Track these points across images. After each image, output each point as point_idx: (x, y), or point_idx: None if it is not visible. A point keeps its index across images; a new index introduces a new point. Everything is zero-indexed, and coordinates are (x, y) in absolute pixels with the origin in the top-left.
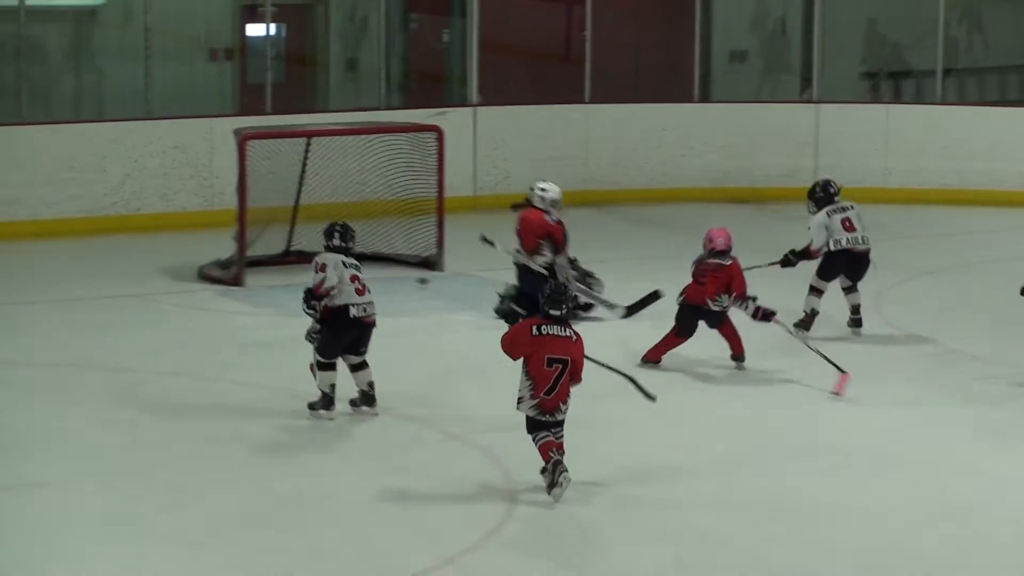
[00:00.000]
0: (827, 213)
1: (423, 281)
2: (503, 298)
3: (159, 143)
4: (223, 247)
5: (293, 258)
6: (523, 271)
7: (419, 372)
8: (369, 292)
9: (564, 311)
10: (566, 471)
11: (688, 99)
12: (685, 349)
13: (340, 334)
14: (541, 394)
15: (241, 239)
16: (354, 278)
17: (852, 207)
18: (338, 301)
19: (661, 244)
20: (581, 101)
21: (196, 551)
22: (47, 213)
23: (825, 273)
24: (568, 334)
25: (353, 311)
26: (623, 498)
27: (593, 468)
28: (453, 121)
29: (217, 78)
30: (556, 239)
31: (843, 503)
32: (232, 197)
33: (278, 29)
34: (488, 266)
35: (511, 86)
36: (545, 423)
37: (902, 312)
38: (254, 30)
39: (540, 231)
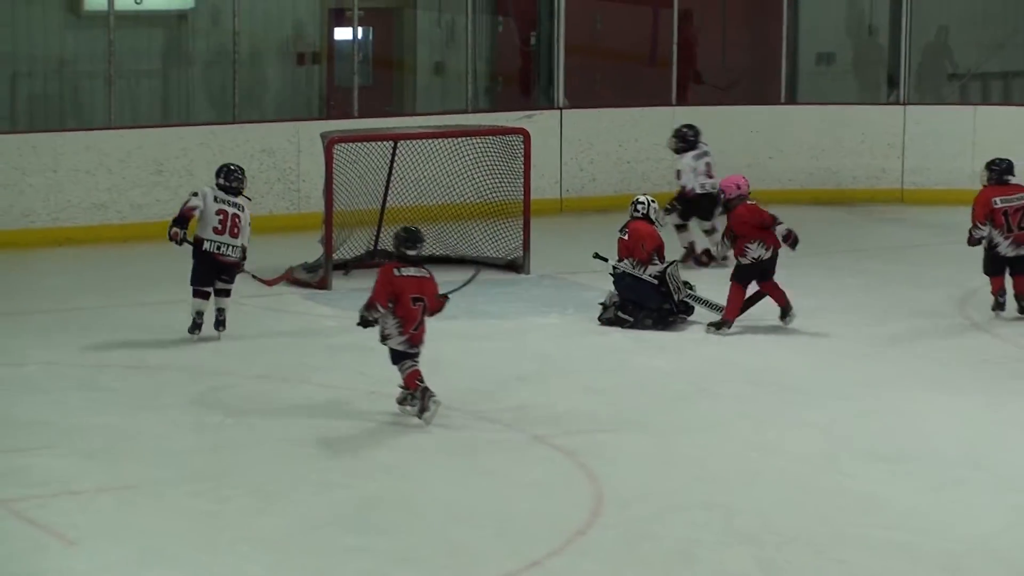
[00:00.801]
0: (693, 157)
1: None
2: (606, 306)
3: (246, 147)
4: (310, 250)
5: (379, 261)
6: (628, 281)
7: (505, 374)
8: (236, 234)
9: (419, 251)
10: (434, 395)
11: (775, 101)
12: (769, 353)
13: (200, 264)
14: (410, 330)
15: (328, 242)
16: (220, 212)
17: (709, 152)
18: (199, 233)
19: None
20: (668, 103)
21: (283, 554)
22: (135, 216)
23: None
24: (424, 273)
25: (206, 245)
26: (704, 502)
27: (671, 472)
28: (539, 124)
29: (304, 82)
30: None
31: (924, 506)
32: (319, 200)
33: (365, 33)
34: (573, 269)
35: (597, 89)
36: (409, 354)
37: (989, 313)
38: (341, 34)
39: (651, 243)
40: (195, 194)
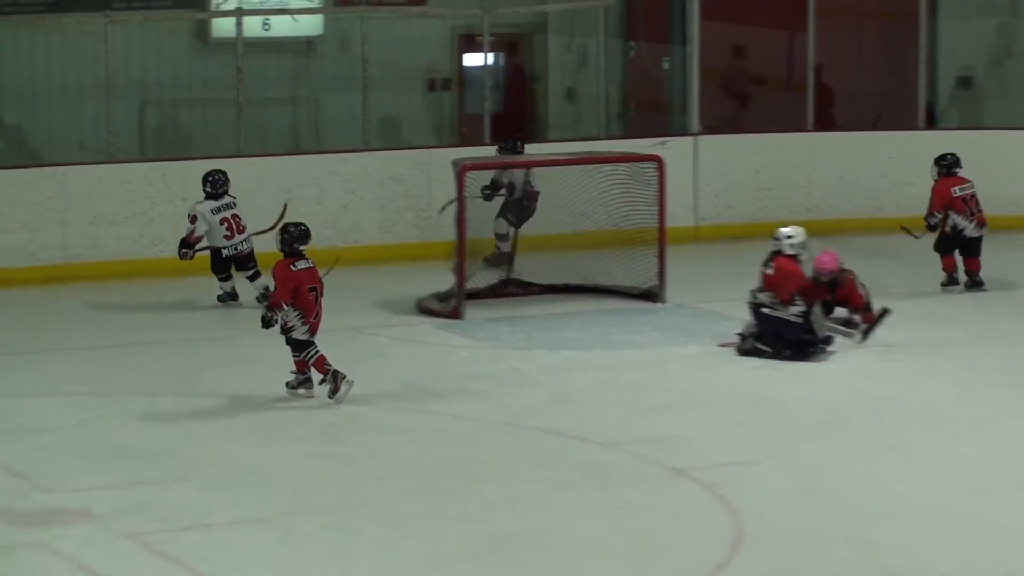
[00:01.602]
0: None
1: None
2: (745, 337)
3: (376, 174)
4: (441, 279)
5: (513, 290)
6: (768, 315)
7: (642, 406)
8: (242, 230)
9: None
10: (345, 376)
11: (914, 126)
12: (913, 383)
13: (223, 263)
14: (311, 319)
15: (460, 271)
16: (223, 220)
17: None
18: (213, 244)
19: (888, 275)
20: (804, 129)
21: None
22: (263, 246)
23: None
24: (311, 263)
25: (225, 252)
26: (848, 536)
27: (814, 505)
28: (674, 150)
29: (435, 108)
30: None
31: None
32: (450, 229)
33: (496, 58)
34: (710, 298)
35: (733, 114)
36: (311, 342)
37: None
38: (472, 59)
39: (794, 283)
40: (194, 218)
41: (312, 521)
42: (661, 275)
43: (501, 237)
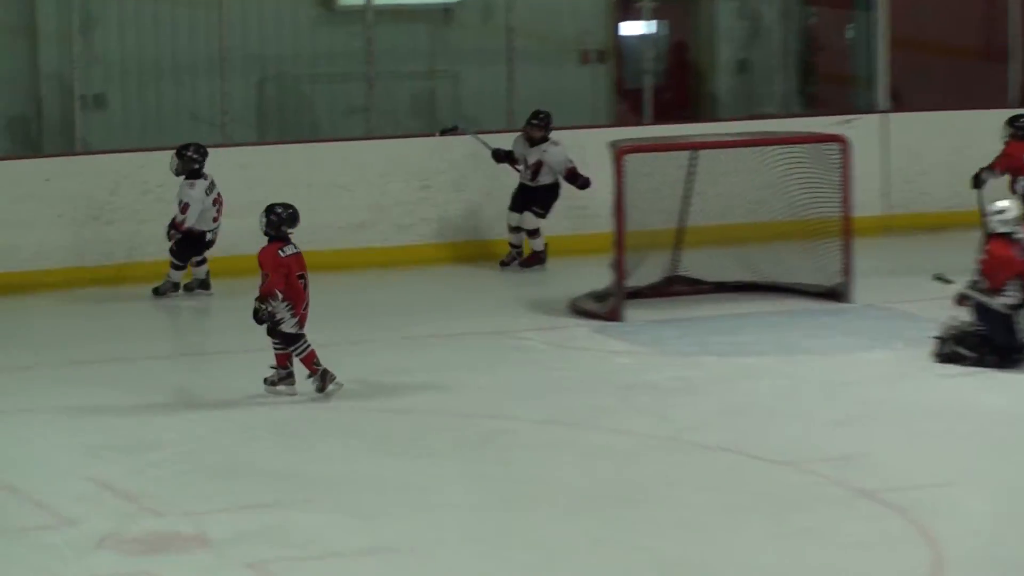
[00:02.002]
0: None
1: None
2: (943, 340)
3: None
4: (598, 277)
5: (677, 288)
6: (977, 307)
7: (825, 419)
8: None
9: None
10: (335, 376)
11: None
12: None
13: (191, 247)
14: (301, 310)
15: (619, 267)
16: (216, 200)
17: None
18: (199, 227)
19: None
20: (1006, 105)
21: None
22: (397, 239)
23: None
24: (298, 249)
25: (208, 236)
26: None
27: (1021, 532)
28: (860, 130)
29: (589, 83)
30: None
31: None
32: (607, 220)
33: (658, 27)
34: (903, 297)
35: (927, 88)
36: (302, 335)
37: None
38: (630, 29)
39: (1007, 271)
40: (186, 206)
41: (454, 550)
42: (847, 271)
43: (532, 234)
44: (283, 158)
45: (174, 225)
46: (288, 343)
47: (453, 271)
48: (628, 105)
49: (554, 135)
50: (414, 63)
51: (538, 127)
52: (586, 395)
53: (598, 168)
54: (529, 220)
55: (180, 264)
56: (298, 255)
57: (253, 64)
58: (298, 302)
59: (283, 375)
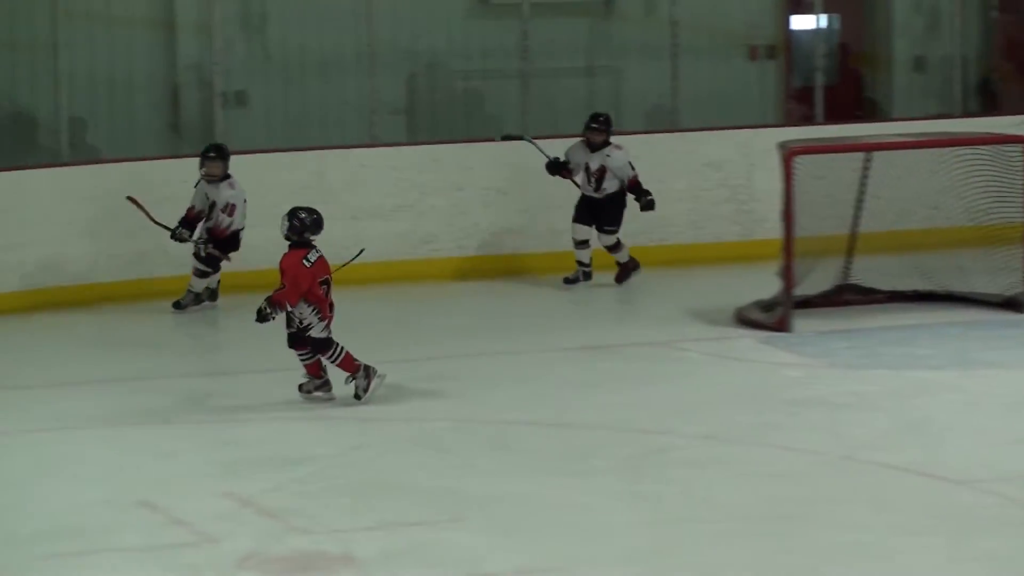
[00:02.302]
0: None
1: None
2: None
3: (688, 160)
4: (765, 284)
5: (849, 297)
6: None
7: (1007, 437)
8: None
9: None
10: (376, 369)
11: None
12: None
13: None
14: (328, 313)
15: (787, 275)
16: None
17: None
18: (239, 226)
19: None
20: None
21: None
22: (555, 244)
23: None
24: (321, 252)
25: (242, 235)
26: None
27: None
28: None
29: (757, 81)
30: None
31: None
32: (776, 224)
33: (830, 21)
34: None
35: None
36: (331, 339)
37: None
38: (801, 23)
39: None
40: (233, 209)
41: (612, 571)
42: None
43: (613, 249)
44: (434, 159)
45: (216, 233)
46: (320, 349)
47: (613, 278)
48: (798, 104)
49: (640, 138)
50: (572, 59)
51: (599, 131)
52: (752, 410)
53: (766, 170)
54: (604, 239)
55: (211, 270)
56: (321, 260)
57: (403, 59)
58: (323, 306)
59: (318, 384)
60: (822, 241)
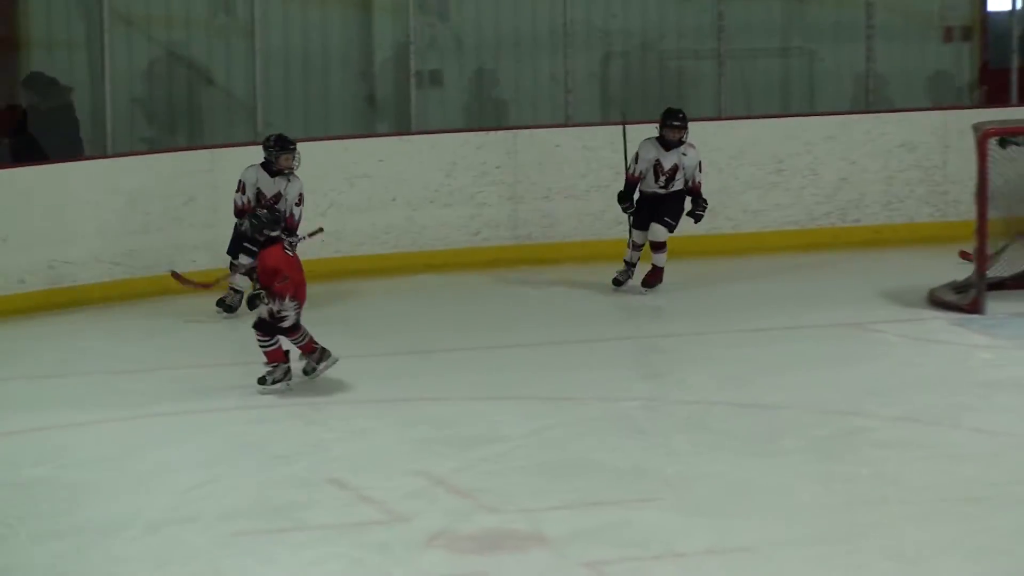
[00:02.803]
0: None
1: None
2: None
3: (882, 141)
4: (958, 266)
5: None
6: None
7: None
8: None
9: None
10: (331, 352)
11: None
12: None
13: None
14: (302, 298)
15: (980, 257)
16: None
17: None
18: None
19: None
20: None
21: None
22: (748, 225)
23: None
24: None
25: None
26: None
27: None
28: None
29: (952, 62)
30: None
31: None
32: (970, 206)
33: None
34: None
35: None
36: (299, 324)
37: None
38: (996, 4)
39: None
40: (301, 198)
41: (802, 552)
42: None
43: (660, 247)
44: (628, 139)
45: (292, 225)
46: (289, 333)
47: (805, 259)
48: (993, 86)
49: (834, 119)
50: (767, 40)
51: (679, 128)
52: (945, 391)
53: (960, 151)
54: (659, 232)
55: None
56: (295, 255)
57: (597, 39)
58: (299, 292)
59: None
60: (1017, 222)
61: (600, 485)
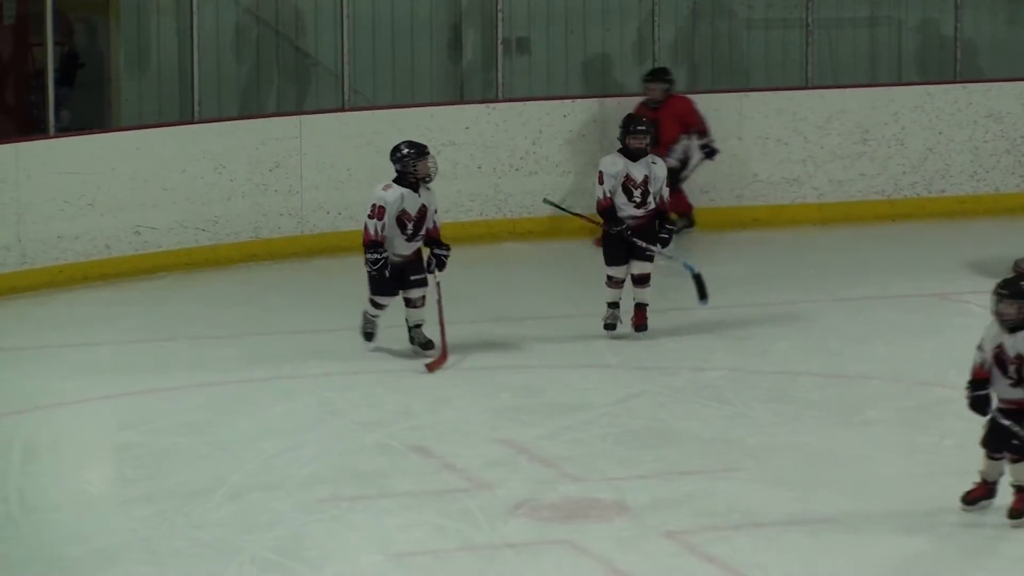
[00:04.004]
0: None
1: None
2: None
3: (969, 111)
4: None
5: None
6: None
7: None
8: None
9: None
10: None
11: None
12: None
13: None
14: None
15: None
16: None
17: None
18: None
19: None
20: None
21: None
22: (833, 195)
23: None
24: None
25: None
26: None
27: None
28: None
29: None
30: None
31: None
32: None
33: None
34: None
35: None
36: None
37: None
38: None
39: None
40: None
41: (883, 524)
42: None
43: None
44: (715, 108)
45: (434, 237)
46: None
47: (890, 230)
48: None
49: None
50: (855, 9)
51: (644, 134)
52: None
53: None
54: (643, 267)
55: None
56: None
57: (682, 6)
58: None
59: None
60: None
61: (683, 454)
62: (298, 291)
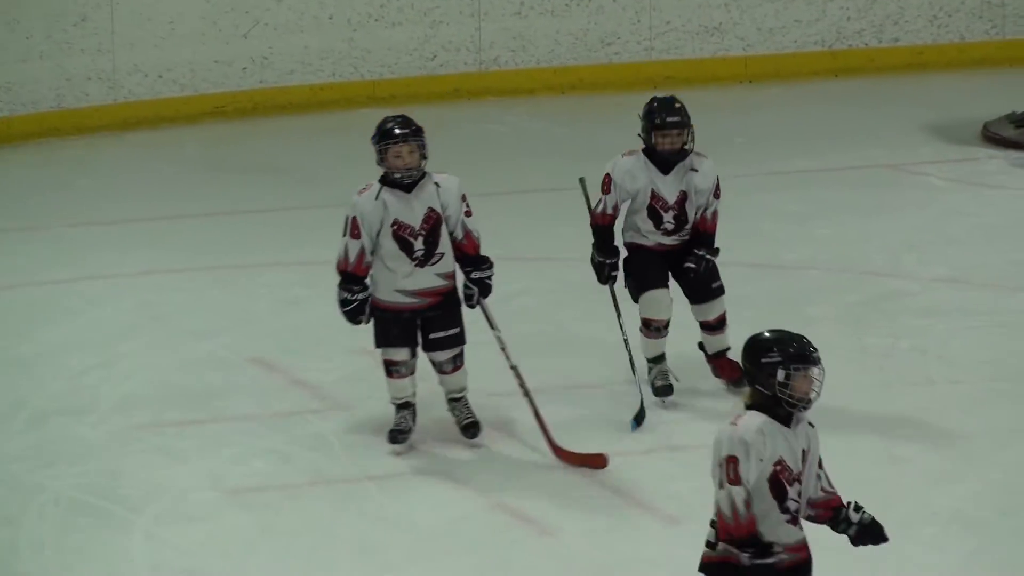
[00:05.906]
0: None
1: None
2: None
3: None
4: (1019, 94)
5: None
6: None
7: None
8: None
9: None
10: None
11: None
12: None
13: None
14: None
15: None
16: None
17: None
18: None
19: None
20: None
21: None
22: (762, 46)
23: None
24: None
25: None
26: None
27: None
28: None
29: None
30: None
31: None
32: None
33: None
34: None
35: None
36: None
37: None
38: None
39: None
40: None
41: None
42: None
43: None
44: None
45: (472, 251)
46: None
47: (832, 87)
48: None
49: None
50: None
51: (680, 127)
52: (1002, 247)
53: None
54: (715, 308)
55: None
56: None
57: None
58: None
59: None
60: None
61: (583, 365)
62: (112, 172)
